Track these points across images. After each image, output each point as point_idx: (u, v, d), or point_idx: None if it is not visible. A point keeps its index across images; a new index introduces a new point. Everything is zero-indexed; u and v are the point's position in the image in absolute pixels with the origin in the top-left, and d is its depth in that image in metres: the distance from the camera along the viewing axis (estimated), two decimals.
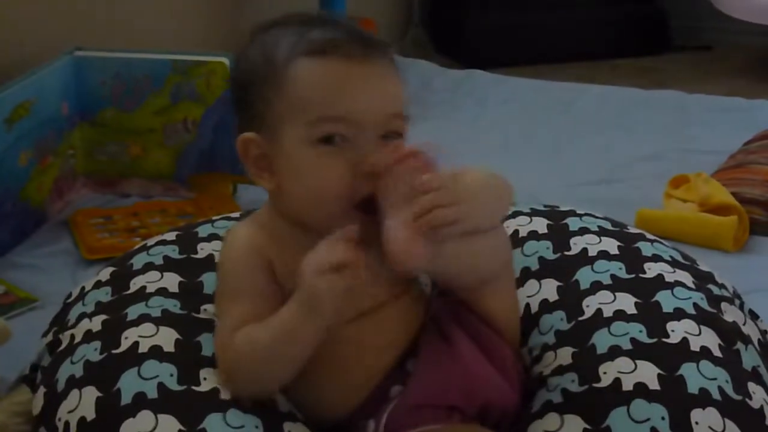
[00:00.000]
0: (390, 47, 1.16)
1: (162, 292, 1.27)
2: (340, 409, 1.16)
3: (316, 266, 1.03)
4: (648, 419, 1.10)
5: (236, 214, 1.50)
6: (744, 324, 1.27)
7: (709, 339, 1.19)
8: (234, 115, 1.18)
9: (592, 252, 1.33)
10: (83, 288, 1.34)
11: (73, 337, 1.24)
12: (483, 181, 1.13)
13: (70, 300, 1.35)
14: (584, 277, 1.30)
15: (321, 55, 1.10)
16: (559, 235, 1.38)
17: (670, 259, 1.33)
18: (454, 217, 1.04)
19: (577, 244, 1.35)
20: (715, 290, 1.29)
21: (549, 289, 1.30)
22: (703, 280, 1.31)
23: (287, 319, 1.07)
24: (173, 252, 1.36)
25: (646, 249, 1.34)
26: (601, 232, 1.38)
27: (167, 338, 1.18)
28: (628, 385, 1.13)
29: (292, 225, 1.14)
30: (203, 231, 1.42)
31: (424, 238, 1.04)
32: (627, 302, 1.24)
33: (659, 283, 1.27)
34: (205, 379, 1.13)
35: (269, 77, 1.12)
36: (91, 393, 1.13)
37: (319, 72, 1.10)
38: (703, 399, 1.12)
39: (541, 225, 1.40)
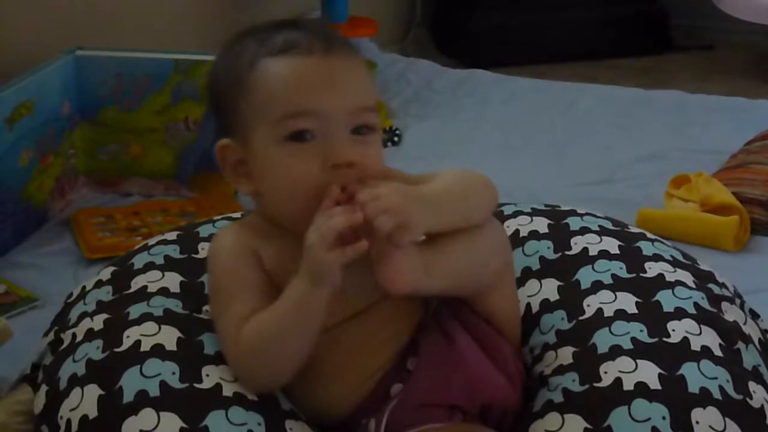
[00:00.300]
0: (354, 44, 1.16)
1: (163, 291, 1.27)
2: (340, 409, 1.16)
3: (320, 240, 1.04)
4: (649, 419, 1.10)
5: (237, 214, 1.50)
6: (744, 323, 1.27)
7: (710, 338, 1.19)
8: (213, 124, 1.19)
9: (593, 251, 1.33)
10: (84, 287, 1.34)
11: (74, 335, 1.24)
12: (449, 181, 1.13)
13: (71, 299, 1.35)
14: (585, 276, 1.30)
15: (283, 54, 1.11)
16: (560, 234, 1.38)
17: (670, 258, 1.33)
18: (399, 219, 1.04)
19: (577, 244, 1.35)
20: (716, 290, 1.29)
21: (550, 288, 1.30)
22: (703, 279, 1.31)
23: (294, 294, 1.07)
24: (174, 252, 1.36)
25: (646, 248, 1.34)
26: (602, 232, 1.38)
27: (169, 337, 1.18)
28: (628, 384, 1.13)
29: (275, 226, 1.14)
30: (204, 231, 1.42)
31: (405, 258, 1.05)
32: (628, 302, 1.24)
33: (660, 282, 1.27)
34: (207, 376, 1.14)
35: (236, 83, 1.13)
36: (93, 391, 1.13)
37: (281, 70, 1.10)
38: (704, 398, 1.12)
39: (541, 225, 1.40)
